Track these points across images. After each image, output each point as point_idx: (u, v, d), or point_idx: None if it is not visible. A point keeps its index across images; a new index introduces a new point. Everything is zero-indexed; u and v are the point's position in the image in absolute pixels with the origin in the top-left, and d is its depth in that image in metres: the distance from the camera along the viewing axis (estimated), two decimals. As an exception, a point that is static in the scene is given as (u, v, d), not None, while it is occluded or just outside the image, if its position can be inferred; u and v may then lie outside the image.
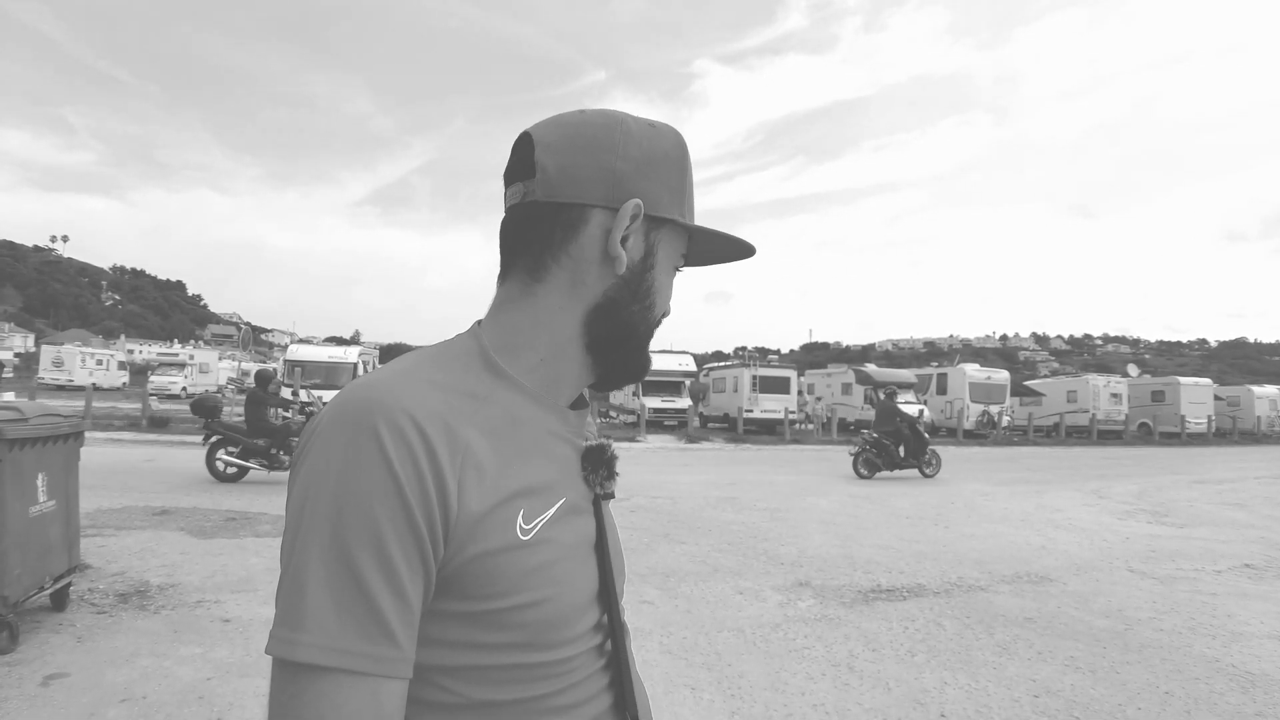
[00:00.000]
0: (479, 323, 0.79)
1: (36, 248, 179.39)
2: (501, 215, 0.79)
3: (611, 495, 0.83)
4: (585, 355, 0.77)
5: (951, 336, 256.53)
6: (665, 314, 0.82)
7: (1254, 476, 16.54)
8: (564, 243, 0.74)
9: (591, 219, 0.74)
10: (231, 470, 10.58)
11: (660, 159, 0.76)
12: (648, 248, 0.77)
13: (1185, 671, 4.18)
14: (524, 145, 0.76)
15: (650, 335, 0.80)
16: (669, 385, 27.22)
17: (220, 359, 56.31)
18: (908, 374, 32.08)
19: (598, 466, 0.80)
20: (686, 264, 0.85)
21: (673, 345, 31.20)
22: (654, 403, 26.09)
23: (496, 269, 0.80)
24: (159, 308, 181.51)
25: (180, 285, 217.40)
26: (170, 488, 9.58)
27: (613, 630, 0.79)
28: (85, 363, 42.63)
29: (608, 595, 0.78)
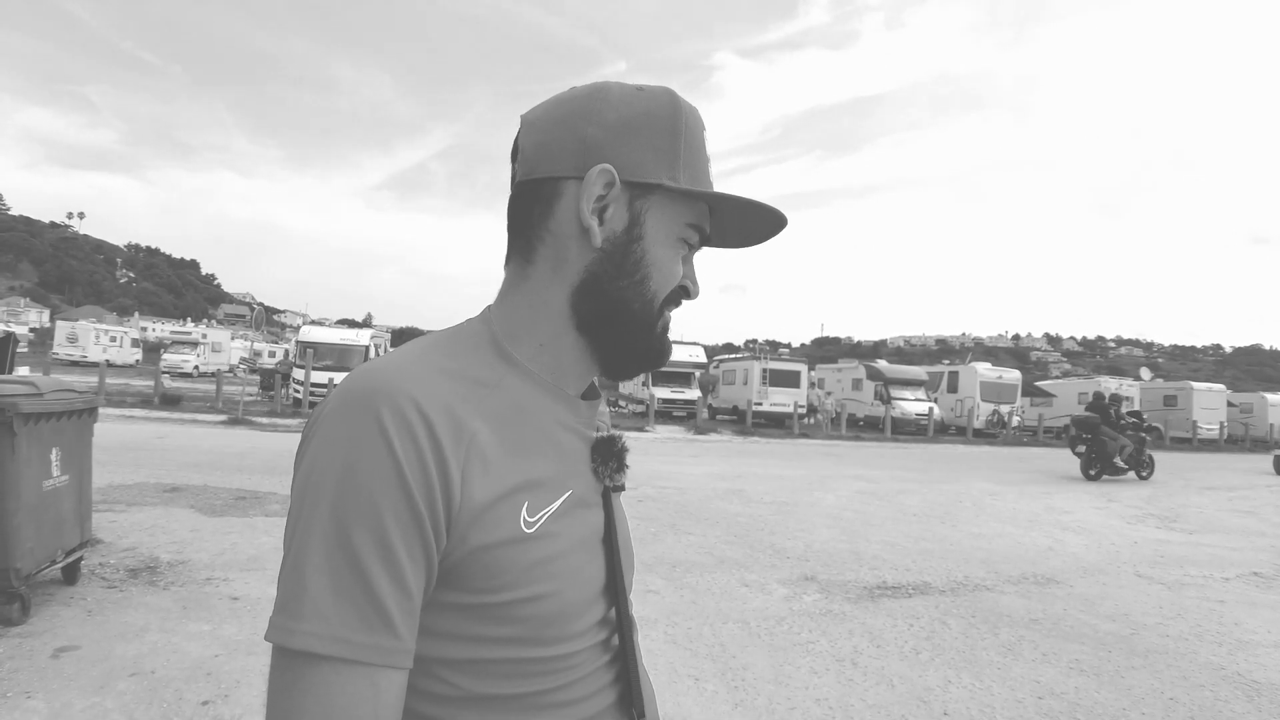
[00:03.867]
0: (489, 308, 0.77)
1: (53, 224, 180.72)
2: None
3: (621, 488, 0.81)
4: (580, 338, 0.74)
5: (964, 334, 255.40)
6: (686, 292, 0.77)
7: (1265, 484, 16.40)
8: (543, 219, 0.72)
9: (565, 192, 0.71)
10: None
11: (642, 121, 0.71)
12: (632, 217, 0.72)
13: (1190, 678, 4.16)
14: (518, 129, 0.76)
15: (650, 313, 0.74)
16: (679, 376, 27.23)
17: (233, 339, 56.69)
18: (919, 371, 31.96)
19: (608, 459, 0.78)
20: (716, 244, 0.80)
21: (683, 336, 31.20)
22: (663, 393, 26.13)
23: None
24: (173, 286, 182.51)
25: (194, 264, 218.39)
26: (181, 465, 9.66)
27: (620, 625, 0.77)
28: (99, 339, 42.94)
29: (615, 590, 0.77)
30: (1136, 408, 14.82)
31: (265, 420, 17.59)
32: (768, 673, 3.91)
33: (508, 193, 0.78)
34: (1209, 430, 31.60)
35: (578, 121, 0.71)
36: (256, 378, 28.64)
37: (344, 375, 0.69)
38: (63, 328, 43.53)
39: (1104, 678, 4.09)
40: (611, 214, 0.71)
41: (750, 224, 0.79)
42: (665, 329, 0.77)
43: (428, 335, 0.74)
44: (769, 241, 0.82)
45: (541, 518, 0.68)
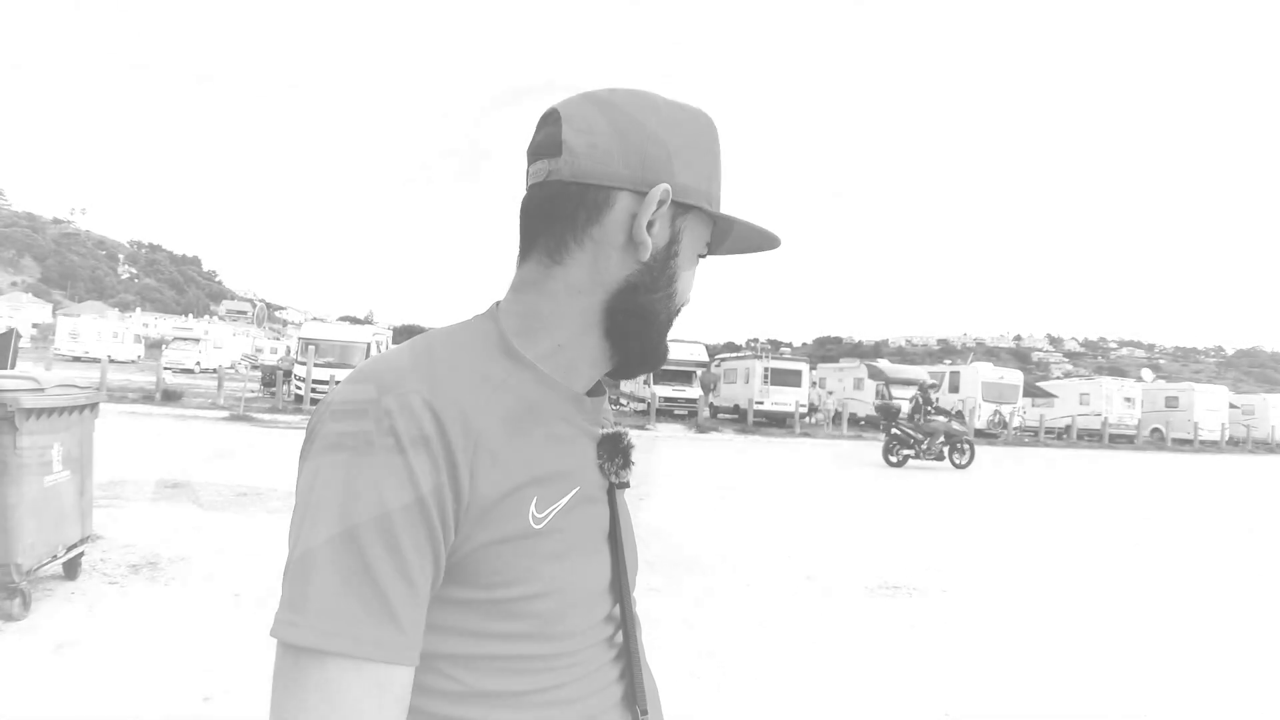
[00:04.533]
0: (497, 304, 0.77)
1: (55, 219, 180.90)
2: (521, 195, 0.77)
3: (627, 484, 0.81)
4: (604, 342, 0.75)
5: (966, 335, 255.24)
6: (685, 303, 0.80)
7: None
8: (588, 225, 0.72)
9: (618, 202, 0.71)
10: (894, 460, 15.44)
11: (692, 144, 0.74)
12: (673, 235, 0.74)
13: (1192, 679, 4.16)
14: (551, 121, 0.74)
15: (670, 324, 0.78)
16: (680, 374, 27.20)
17: (234, 335, 56.85)
18: (920, 371, 31.95)
19: (613, 455, 0.78)
20: (710, 252, 0.82)
21: (685, 335, 31.20)
22: (665, 391, 26.11)
23: (515, 248, 0.77)
24: (175, 282, 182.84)
25: (196, 260, 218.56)
26: (183, 461, 9.67)
27: (624, 622, 0.77)
28: (101, 335, 43.04)
29: (620, 586, 0.77)
30: None
31: (267, 417, 17.62)
32: (768, 671, 3.91)
33: (515, 190, 0.77)
34: (1210, 432, 31.57)
35: (637, 136, 0.72)
36: (258, 374, 28.67)
37: (346, 372, 0.69)
38: (65, 324, 43.66)
39: (1106, 678, 4.09)
40: (657, 230, 0.73)
41: (743, 239, 0.82)
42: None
43: (433, 331, 0.74)
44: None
45: (550, 513, 0.68)
